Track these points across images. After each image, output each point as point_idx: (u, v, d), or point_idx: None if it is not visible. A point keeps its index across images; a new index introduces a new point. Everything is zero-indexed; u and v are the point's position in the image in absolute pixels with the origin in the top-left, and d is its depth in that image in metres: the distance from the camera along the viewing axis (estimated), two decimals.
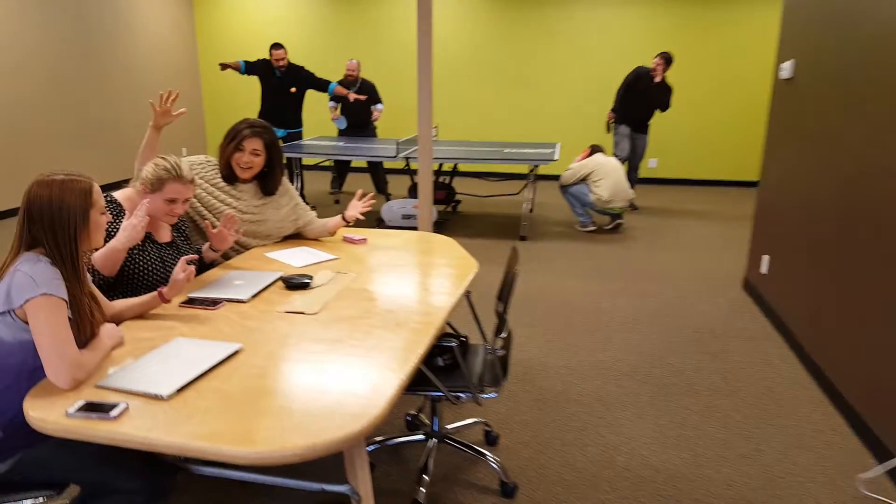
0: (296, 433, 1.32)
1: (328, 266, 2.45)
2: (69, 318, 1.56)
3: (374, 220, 6.12)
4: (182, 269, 1.90)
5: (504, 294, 2.10)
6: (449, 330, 2.43)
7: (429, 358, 2.22)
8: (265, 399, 1.45)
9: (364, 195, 2.84)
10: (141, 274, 2.13)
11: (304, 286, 2.19)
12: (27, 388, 1.51)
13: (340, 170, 7.32)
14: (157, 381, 1.49)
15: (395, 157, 5.69)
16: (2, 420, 1.52)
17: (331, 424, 1.36)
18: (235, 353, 1.68)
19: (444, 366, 2.21)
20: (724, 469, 2.39)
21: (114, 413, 1.37)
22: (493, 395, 2.12)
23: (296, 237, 2.85)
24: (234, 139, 2.57)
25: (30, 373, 1.52)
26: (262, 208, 2.68)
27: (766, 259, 4.04)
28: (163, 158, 2.15)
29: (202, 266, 2.42)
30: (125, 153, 7.90)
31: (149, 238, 2.20)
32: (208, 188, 2.57)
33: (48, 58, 6.65)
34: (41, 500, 1.53)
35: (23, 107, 6.39)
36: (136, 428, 1.34)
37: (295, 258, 2.53)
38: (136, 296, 2.08)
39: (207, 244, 2.43)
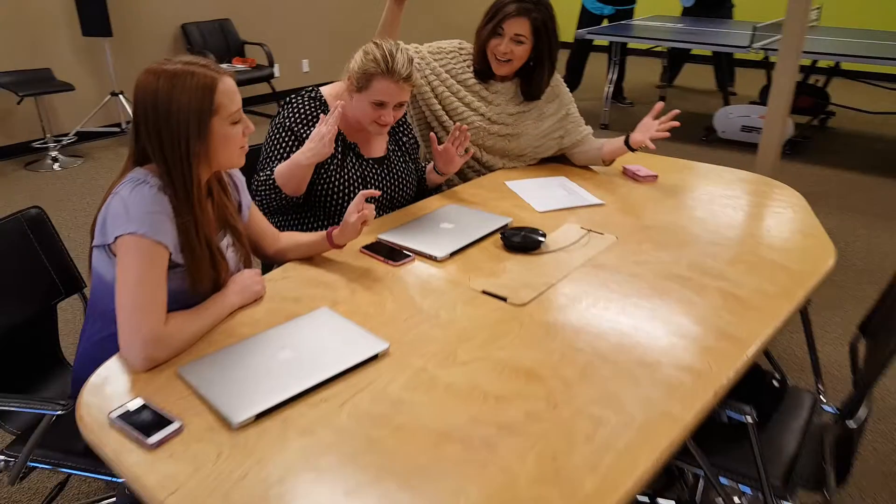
0: None
1: (583, 214, 1.69)
2: (178, 265, 1.16)
3: (701, 127, 4.88)
4: (356, 209, 1.36)
5: (878, 328, 1.11)
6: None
7: None
8: (373, 473, 0.86)
9: (662, 114, 1.91)
10: (335, 196, 1.67)
11: (530, 248, 1.49)
12: None
13: (675, 59, 6.03)
14: (244, 390, 1.01)
15: (748, 46, 4.31)
16: None
17: None
18: (375, 357, 1.12)
19: (731, 423, 1.35)
20: None
21: (153, 439, 0.93)
22: None
23: (559, 160, 2.11)
24: (492, 19, 1.88)
25: None
26: (519, 118, 1.99)
27: None
28: (376, 45, 1.57)
29: (420, 192, 1.88)
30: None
31: (352, 150, 1.70)
32: (453, 85, 1.96)
33: None
34: None
35: None
36: (161, 479, 0.87)
37: (541, 195, 1.82)
38: (330, 223, 1.66)
39: (431, 164, 1.86)
